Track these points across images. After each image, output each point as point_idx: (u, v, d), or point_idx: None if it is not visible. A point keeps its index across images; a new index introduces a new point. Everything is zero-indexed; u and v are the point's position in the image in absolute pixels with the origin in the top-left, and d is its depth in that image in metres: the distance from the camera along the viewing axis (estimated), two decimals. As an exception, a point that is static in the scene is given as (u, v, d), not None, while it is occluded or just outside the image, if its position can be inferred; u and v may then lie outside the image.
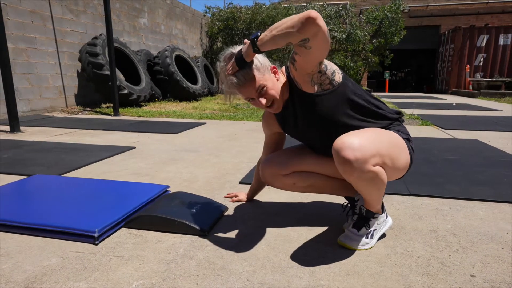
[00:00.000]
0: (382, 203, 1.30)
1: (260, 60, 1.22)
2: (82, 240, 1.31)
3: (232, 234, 1.38)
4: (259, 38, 1.10)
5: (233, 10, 10.81)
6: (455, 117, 5.19)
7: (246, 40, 1.16)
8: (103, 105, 6.27)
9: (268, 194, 1.83)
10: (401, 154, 1.23)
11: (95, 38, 5.73)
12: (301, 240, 1.33)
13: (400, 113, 1.35)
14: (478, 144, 3.12)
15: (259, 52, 1.13)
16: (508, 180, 2.02)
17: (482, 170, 2.24)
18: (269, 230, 1.42)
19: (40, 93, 5.22)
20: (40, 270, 1.13)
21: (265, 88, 1.21)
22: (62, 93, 5.62)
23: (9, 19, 4.66)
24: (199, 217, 1.44)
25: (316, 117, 1.25)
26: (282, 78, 1.29)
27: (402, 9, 11.02)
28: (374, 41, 10.93)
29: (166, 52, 7.15)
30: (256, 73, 1.19)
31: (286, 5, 11.38)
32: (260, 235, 1.38)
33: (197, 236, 1.36)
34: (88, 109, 5.80)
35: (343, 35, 10.21)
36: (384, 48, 11.17)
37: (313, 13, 0.99)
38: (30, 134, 3.67)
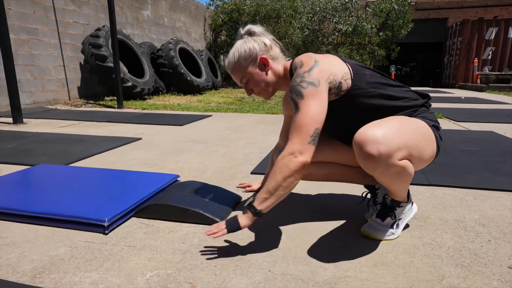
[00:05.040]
0: (408, 191, 1.22)
1: (246, 50, 1.19)
2: (91, 229, 1.25)
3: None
4: (263, 208, 1.03)
5: (237, 2, 10.67)
6: (466, 110, 5.09)
7: (244, 220, 1.05)
8: (106, 98, 6.20)
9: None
10: (428, 144, 1.14)
11: (98, 29, 5.64)
12: (320, 230, 1.26)
13: (427, 96, 1.27)
14: (493, 136, 3.03)
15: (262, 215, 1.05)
16: (531, 170, 1.94)
17: (503, 160, 2.16)
18: (287, 220, 1.35)
19: (42, 85, 5.15)
20: (48, 260, 1.06)
21: (248, 81, 1.23)
22: (65, 86, 5.55)
23: (10, 9, 4.58)
24: (213, 207, 1.37)
25: (330, 112, 1.17)
26: (278, 69, 1.23)
27: (409, 1, 10.84)
28: (380, 34, 10.77)
29: (170, 45, 7.06)
30: (236, 66, 1.21)
31: (291, -2, 11.21)
32: (278, 225, 1.31)
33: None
34: (91, 102, 5.74)
35: (349, 28, 10.07)
36: (390, 41, 11.01)
37: (301, 159, 1.00)
38: (33, 125, 3.61)
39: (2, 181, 1.63)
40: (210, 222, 1.30)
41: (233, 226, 1.04)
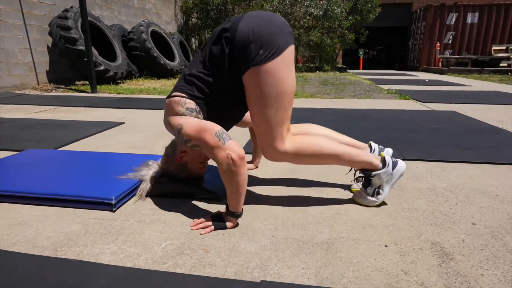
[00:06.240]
0: (384, 158, 1.34)
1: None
2: (99, 207, 1.31)
3: (247, 198, 1.42)
4: (238, 208, 1.18)
5: (208, -16, 10.46)
6: (430, 92, 5.42)
7: (230, 223, 1.19)
8: (77, 82, 6.01)
9: (274, 163, 1.88)
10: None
11: (66, 10, 5.41)
12: (314, 200, 1.40)
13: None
14: (456, 115, 3.31)
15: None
16: (489, 145, 2.18)
17: (465, 137, 2.40)
18: (281, 192, 1.48)
19: (8, 69, 4.91)
20: (64, 236, 1.13)
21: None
22: (33, 70, 5.32)
23: (-30, -13, 4.31)
24: (211, 184, 1.47)
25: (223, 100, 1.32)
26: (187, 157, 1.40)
27: (377, -14, 11.12)
28: (350, 18, 11.01)
29: (141, 27, 6.88)
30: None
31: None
32: (274, 197, 1.44)
33: (212, 203, 1.39)
34: (62, 86, 5.54)
35: (320, 12, 10.21)
36: (359, 25, 11.30)
37: (233, 157, 1.12)
38: (5, 111, 3.49)
39: (-5, 166, 1.64)
40: (211, 197, 1.40)
41: (220, 227, 1.17)
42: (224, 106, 1.28)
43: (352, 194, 1.45)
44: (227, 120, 1.35)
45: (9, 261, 0.97)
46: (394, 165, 1.34)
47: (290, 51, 1.20)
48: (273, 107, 1.19)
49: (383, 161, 1.34)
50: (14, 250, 1.04)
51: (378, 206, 1.35)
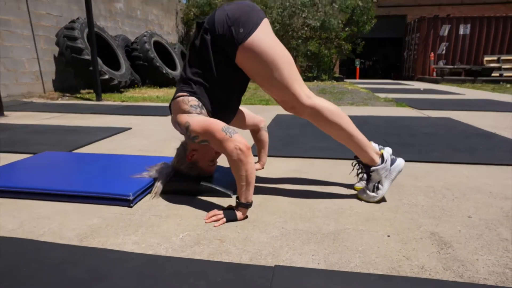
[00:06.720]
0: (382, 154, 1.43)
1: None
2: (117, 203, 1.39)
3: (255, 195, 1.51)
4: (249, 199, 1.26)
5: (208, -4, 10.70)
6: (425, 100, 5.56)
7: (240, 214, 1.27)
8: (82, 90, 6.11)
9: (277, 163, 1.97)
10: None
11: (73, 21, 5.54)
12: (319, 197, 1.49)
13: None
14: (451, 121, 3.42)
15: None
16: (482, 148, 2.29)
17: (459, 141, 2.50)
18: (287, 190, 1.57)
19: (16, 78, 5.01)
20: (87, 228, 1.21)
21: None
22: (39, 78, 5.43)
23: (-20, -1, 4.43)
24: (221, 182, 1.55)
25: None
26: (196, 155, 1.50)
27: (372, -1, 11.41)
28: (346, 29, 11.25)
29: (144, 38, 7.03)
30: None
31: (261, -8, 11.39)
32: (281, 194, 1.52)
33: (223, 198, 1.47)
34: (68, 94, 5.64)
35: (318, 23, 10.43)
36: (356, 36, 11.53)
37: (241, 146, 1.23)
38: (16, 118, 3.58)
39: (15, 166, 1.72)
40: (222, 195, 1.48)
41: (231, 217, 1.26)
42: (223, 95, 1.40)
43: (355, 192, 1.54)
44: (228, 109, 1.47)
45: (40, 250, 1.05)
46: (393, 161, 1.42)
47: (266, 23, 1.33)
48: (276, 70, 1.29)
49: (381, 157, 1.43)
50: (43, 240, 1.12)
51: (379, 202, 1.43)
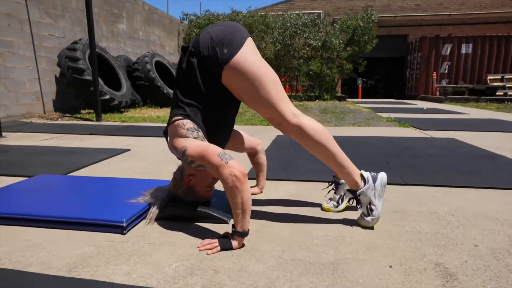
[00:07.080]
0: (362, 175, 1.40)
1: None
2: (109, 230, 1.34)
3: (253, 221, 1.46)
4: (245, 227, 1.22)
5: (210, 17, 10.92)
6: (429, 120, 5.53)
7: (236, 243, 1.22)
8: (82, 111, 6.14)
9: (277, 186, 1.93)
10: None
11: (75, 42, 5.63)
12: (318, 223, 1.44)
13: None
14: (455, 142, 3.38)
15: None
16: (488, 170, 2.24)
17: (464, 163, 2.45)
18: (286, 215, 1.52)
19: (16, 98, 5.05)
20: (77, 257, 1.16)
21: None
22: (40, 99, 5.47)
23: (-15, 22, 4.52)
24: (219, 207, 1.51)
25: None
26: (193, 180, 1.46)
27: (373, 19, 11.57)
28: (348, 48, 11.38)
29: (146, 58, 7.12)
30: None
31: (263, 13, 11.63)
32: (279, 220, 1.47)
33: (219, 224, 1.43)
34: (68, 115, 5.67)
35: (319, 43, 10.57)
36: (357, 55, 11.65)
37: (236, 173, 1.19)
38: (14, 139, 3.57)
39: (8, 190, 1.68)
40: (218, 221, 1.43)
41: (226, 246, 1.21)
42: (216, 115, 1.38)
43: (355, 218, 1.49)
44: (223, 129, 1.45)
45: (26, 282, 1.00)
46: (374, 178, 1.40)
47: (250, 42, 1.33)
48: (262, 88, 1.29)
49: (362, 178, 1.40)
50: (30, 270, 1.07)
51: (372, 228, 1.38)
